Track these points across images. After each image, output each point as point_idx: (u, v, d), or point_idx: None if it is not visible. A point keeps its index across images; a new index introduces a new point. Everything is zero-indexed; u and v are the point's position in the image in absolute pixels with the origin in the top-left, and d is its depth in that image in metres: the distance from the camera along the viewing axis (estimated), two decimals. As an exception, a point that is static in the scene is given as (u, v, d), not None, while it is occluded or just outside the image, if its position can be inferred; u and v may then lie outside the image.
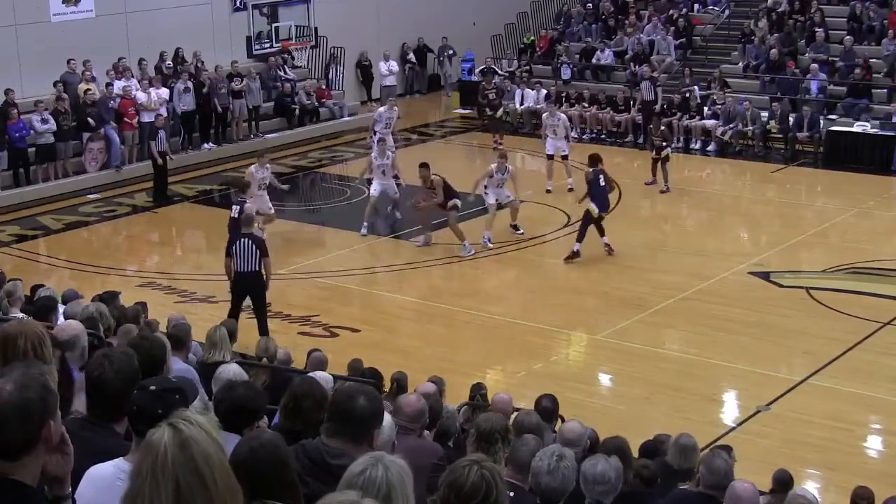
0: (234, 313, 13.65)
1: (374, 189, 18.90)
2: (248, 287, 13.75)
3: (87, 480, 3.66)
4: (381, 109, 22.57)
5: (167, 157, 21.37)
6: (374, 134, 21.78)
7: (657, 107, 25.12)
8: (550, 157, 21.46)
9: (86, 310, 8.97)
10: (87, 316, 8.56)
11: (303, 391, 5.03)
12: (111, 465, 3.69)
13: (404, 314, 15.89)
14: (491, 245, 17.91)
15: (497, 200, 18.29)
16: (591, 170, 17.39)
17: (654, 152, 21.25)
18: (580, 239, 17.13)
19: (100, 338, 7.94)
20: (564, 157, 21.34)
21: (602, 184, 17.23)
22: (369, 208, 18.83)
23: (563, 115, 22.68)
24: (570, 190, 20.76)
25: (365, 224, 18.68)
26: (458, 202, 17.65)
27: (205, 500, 2.56)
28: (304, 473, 3.99)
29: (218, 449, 2.65)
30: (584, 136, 26.14)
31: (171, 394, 3.77)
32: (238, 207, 15.43)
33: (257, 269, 13.60)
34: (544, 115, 22.40)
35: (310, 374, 7.09)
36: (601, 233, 17.23)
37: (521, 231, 18.67)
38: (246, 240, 13.62)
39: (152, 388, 3.80)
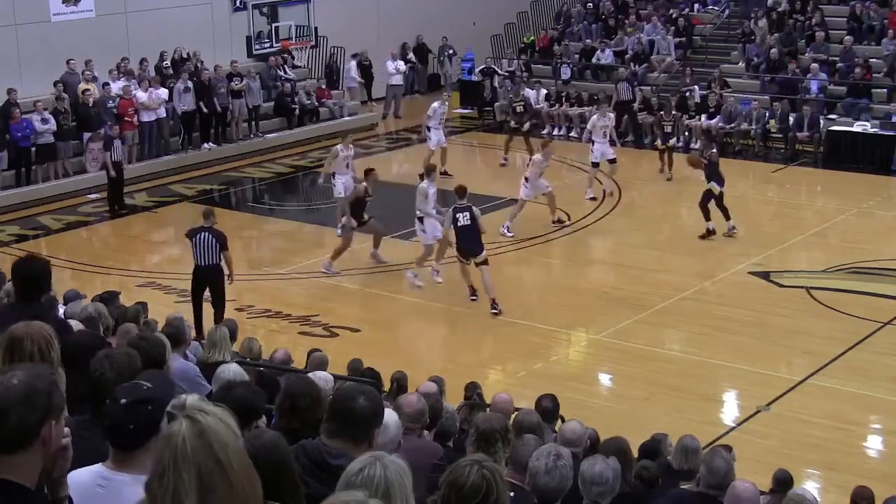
0: (197, 309, 13.82)
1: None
2: (208, 280, 13.85)
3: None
4: (435, 104, 22.46)
5: (122, 168, 20.66)
6: (429, 129, 22.22)
7: (635, 105, 25.25)
8: (596, 164, 20.62)
9: (85, 310, 8.97)
10: (87, 316, 8.56)
11: (299, 390, 5.01)
12: (89, 472, 3.64)
13: (404, 314, 15.89)
14: (510, 234, 18.16)
15: (532, 195, 18.48)
16: (713, 151, 18.55)
17: (661, 142, 21.73)
18: (708, 218, 18.04)
19: (100, 338, 7.93)
20: (613, 161, 20.62)
21: (715, 161, 18.35)
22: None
23: (613, 115, 21.74)
24: (611, 194, 20.62)
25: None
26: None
27: (225, 485, 2.62)
28: (304, 473, 3.99)
29: (234, 437, 2.70)
30: (585, 136, 26.16)
31: (143, 405, 3.58)
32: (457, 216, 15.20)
33: (217, 262, 13.71)
34: (594, 116, 21.22)
35: (306, 373, 7.09)
36: (726, 213, 18.08)
37: (567, 222, 18.94)
38: (206, 233, 13.69)
39: (122, 401, 3.61)
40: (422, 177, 16.77)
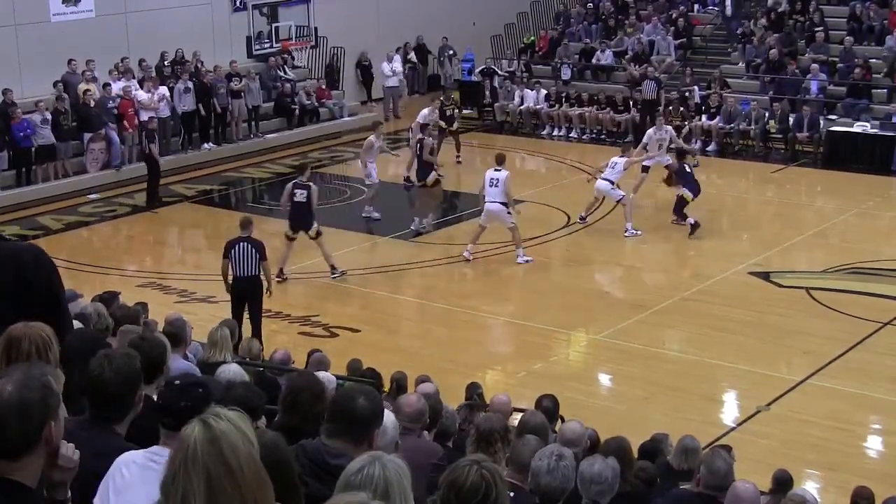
0: (236, 317, 13.64)
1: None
2: (246, 292, 13.63)
3: (119, 465, 3.80)
4: (425, 111, 22.47)
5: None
6: (410, 132, 22.43)
7: (660, 108, 25.08)
8: (647, 169, 19.94)
9: (84, 310, 8.95)
10: (79, 313, 8.53)
11: (300, 385, 5.03)
12: (142, 452, 3.87)
13: (404, 314, 15.90)
14: (639, 232, 18.55)
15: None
16: (674, 162, 18.74)
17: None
18: (684, 218, 18.39)
19: (99, 338, 7.92)
20: (668, 166, 20.02)
21: (688, 170, 18.63)
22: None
23: (670, 128, 20.73)
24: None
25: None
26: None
27: (234, 489, 2.67)
28: (303, 473, 4.00)
29: (247, 442, 2.74)
30: (584, 137, 26.19)
31: (194, 388, 3.96)
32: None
33: (256, 273, 13.51)
34: (650, 130, 20.38)
35: (289, 370, 7.08)
36: (683, 216, 18.45)
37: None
38: (245, 243, 13.49)
39: (177, 382, 4.03)
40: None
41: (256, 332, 13.41)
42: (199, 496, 2.64)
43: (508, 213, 16.88)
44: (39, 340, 4.02)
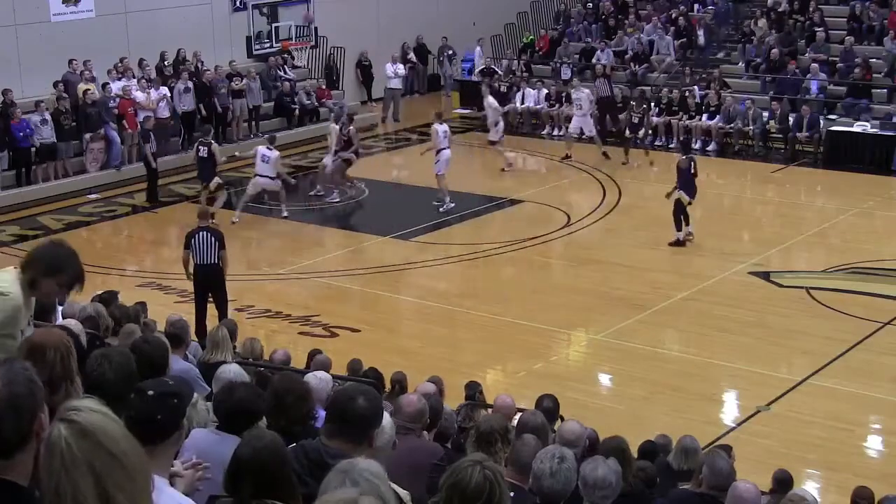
0: (201, 308, 13.75)
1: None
2: (209, 279, 13.83)
3: None
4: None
5: (156, 160, 21.06)
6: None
7: (619, 104, 25.23)
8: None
9: (84, 310, 8.95)
10: (87, 316, 8.54)
11: (284, 387, 5.05)
12: None
13: (404, 314, 15.89)
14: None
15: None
16: (683, 157, 18.21)
17: (628, 131, 23.27)
18: (679, 228, 17.74)
19: (99, 338, 7.93)
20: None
21: (692, 171, 17.83)
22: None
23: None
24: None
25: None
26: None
27: (123, 474, 2.57)
28: (303, 473, 4.00)
29: (113, 422, 2.63)
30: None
31: (170, 398, 3.69)
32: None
33: (216, 261, 13.70)
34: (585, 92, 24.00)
35: (290, 370, 7.07)
36: (686, 220, 17.82)
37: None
38: (205, 232, 13.70)
39: (150, 392, 3.71)
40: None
41: (223, 316, 13.56)
42: (90, 495, 2.52)
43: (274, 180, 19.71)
44: (63, 348, 3.99)
